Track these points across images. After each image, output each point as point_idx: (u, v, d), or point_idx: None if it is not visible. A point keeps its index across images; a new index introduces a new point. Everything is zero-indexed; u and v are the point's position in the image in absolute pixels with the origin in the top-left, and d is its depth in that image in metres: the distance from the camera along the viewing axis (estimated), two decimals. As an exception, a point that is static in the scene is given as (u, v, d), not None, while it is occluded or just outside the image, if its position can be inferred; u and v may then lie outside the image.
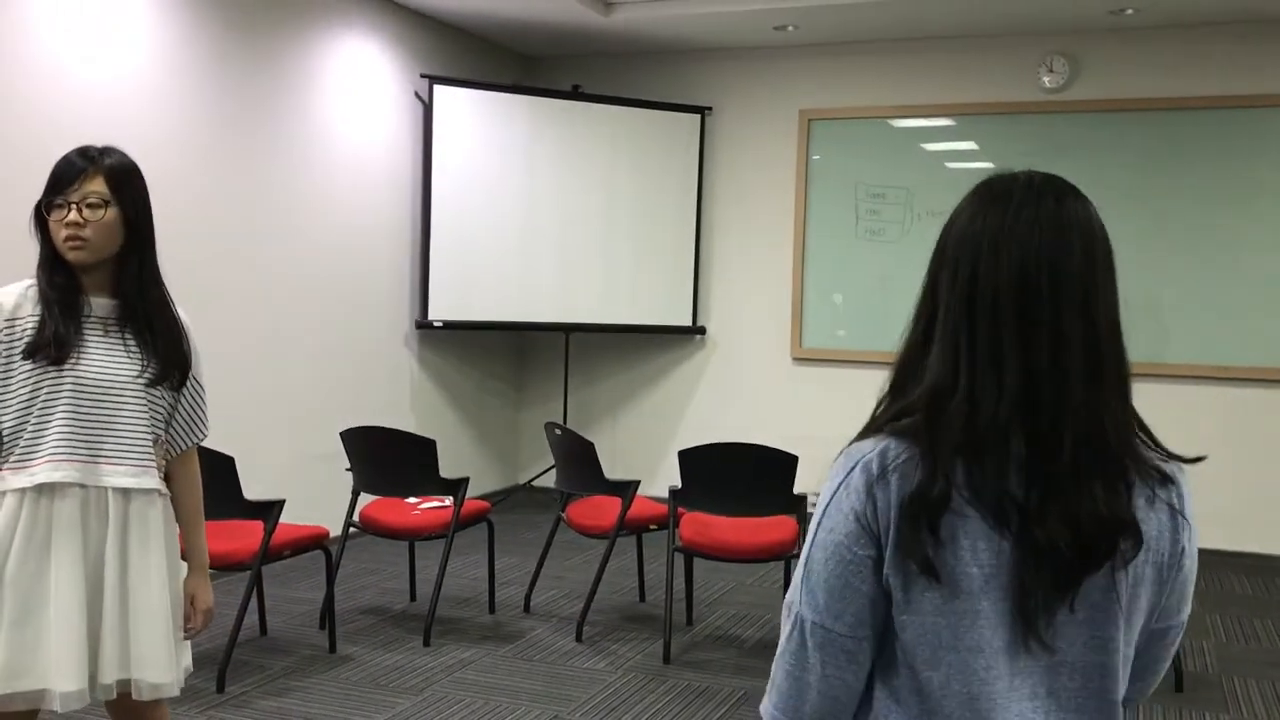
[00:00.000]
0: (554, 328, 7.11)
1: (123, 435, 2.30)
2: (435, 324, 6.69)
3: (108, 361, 2.29)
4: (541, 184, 6.98)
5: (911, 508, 1.15)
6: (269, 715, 3.74)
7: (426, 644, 4.50)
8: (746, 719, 3.82)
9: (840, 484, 1.22)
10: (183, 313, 2.43)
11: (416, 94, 6.62)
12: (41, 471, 2.23)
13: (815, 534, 1.23)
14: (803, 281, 7.18)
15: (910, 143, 6.96)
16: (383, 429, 4.78)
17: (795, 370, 7.23)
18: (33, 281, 2.30)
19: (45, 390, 2.25)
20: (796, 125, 7.16)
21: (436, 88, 6.59)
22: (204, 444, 2.56)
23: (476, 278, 6.81)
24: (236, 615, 4.07)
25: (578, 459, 4.85)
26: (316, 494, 5.53)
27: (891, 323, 6.99)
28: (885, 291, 7.04)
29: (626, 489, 4.68)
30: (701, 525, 4.53)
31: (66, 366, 2.24)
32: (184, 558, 2.48)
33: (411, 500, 4.86)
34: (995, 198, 1.21)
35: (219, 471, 3.85)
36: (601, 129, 7.12)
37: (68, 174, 2.25)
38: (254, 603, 4.41)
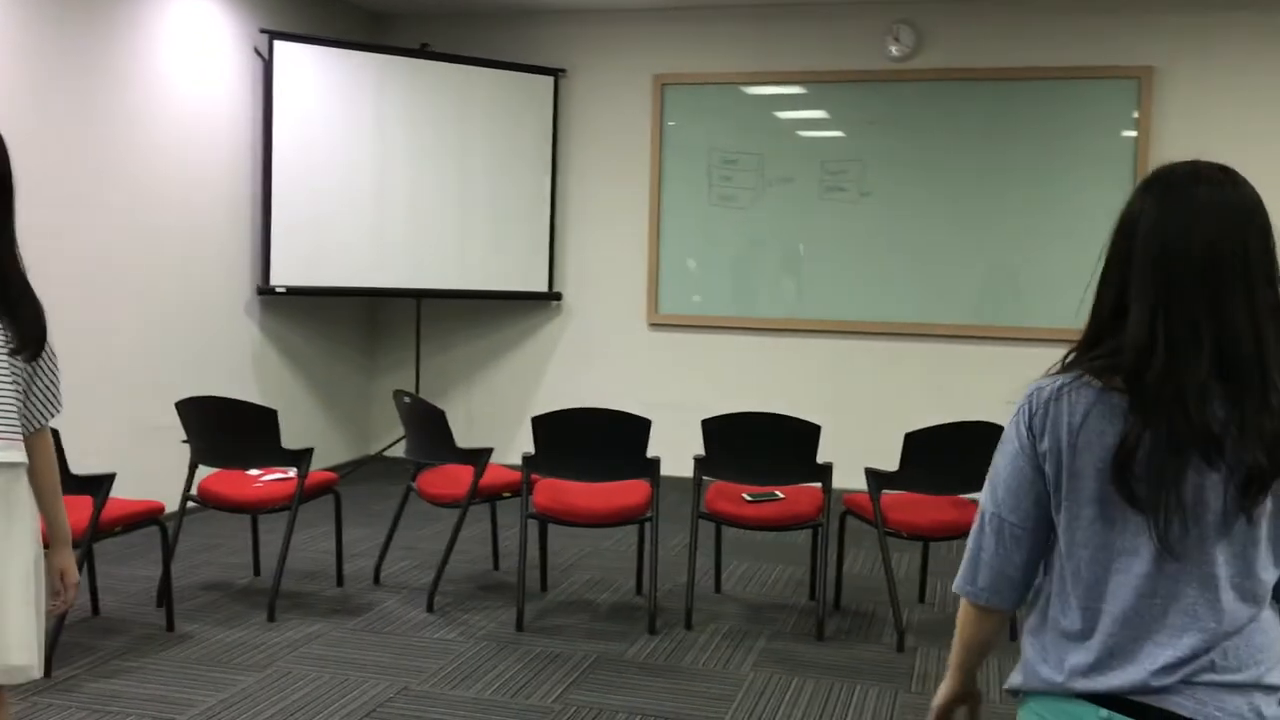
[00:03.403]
0: (405, 293, 6.95)
1: None
2: (278, 289, 6.45)
3: None
4: (391, 145, 6.79)
5: (1117, 455, 1.41)
6: (100, 698, 3.56)
7: (271, 619, 4.36)
8: (598, 682, 3.81)
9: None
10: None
11: (256, 50, 6.35)
12: None
13: None
14: (658, 247, 7.18)
15: (763, 110, 7.00)
16: (221, 399, 4.59)
17: (651, 336, 7.24)
18: None
19: None
20: (651, 90, 7.13)
21: (277, 44, 6.33)
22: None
23: (323, 241, 6.59)
24: (63, 595, 3.86)
25: (428, 427, 4.75)
26: (152, 467, 5.29)
27: (745, 288, 7.07)
28: (738, 257, 7.09)
29: (479, 457, 4.60)
30: (556, 491, 4.49)
31: None
32: (45, 534, 2.35)
33: (253, 472, 4.70)
34: (1173, 184, 1.46)
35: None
36: (452, 89, 6.95)
37: None
38: (84, 581, 4.19)
